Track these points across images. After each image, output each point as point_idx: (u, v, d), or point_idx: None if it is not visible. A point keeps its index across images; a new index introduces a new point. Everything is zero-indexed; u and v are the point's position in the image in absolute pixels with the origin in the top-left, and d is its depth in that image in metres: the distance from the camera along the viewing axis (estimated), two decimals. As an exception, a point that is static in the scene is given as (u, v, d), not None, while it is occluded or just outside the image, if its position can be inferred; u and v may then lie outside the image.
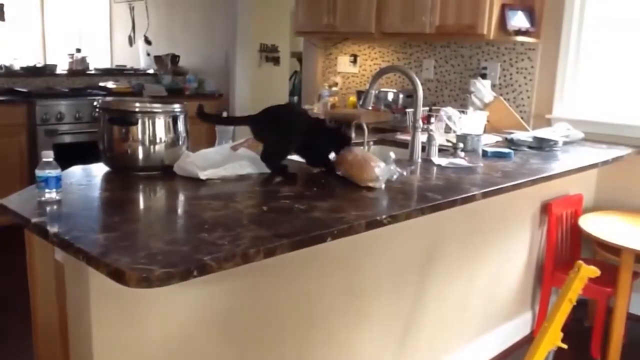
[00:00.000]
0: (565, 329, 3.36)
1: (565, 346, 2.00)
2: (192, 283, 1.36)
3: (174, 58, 5.93)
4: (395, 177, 2.13)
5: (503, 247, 2.88)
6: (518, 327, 3.12)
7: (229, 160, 2.17)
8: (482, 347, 2.89)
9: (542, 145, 3.12)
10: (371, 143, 2.40)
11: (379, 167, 2.05)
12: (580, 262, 1.97)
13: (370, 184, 2.03)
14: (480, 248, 2.72)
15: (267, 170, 2.17)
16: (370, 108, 2.80)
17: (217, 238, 1.47)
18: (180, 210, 1.81)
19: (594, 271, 1.95)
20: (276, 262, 1.65)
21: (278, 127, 2.18)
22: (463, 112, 3.37)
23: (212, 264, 1.34)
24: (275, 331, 1.90)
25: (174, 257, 1.33)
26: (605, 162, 3.01)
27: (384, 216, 1.73)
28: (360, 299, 2.15)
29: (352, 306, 2.13)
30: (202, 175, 2.02)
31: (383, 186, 2.04)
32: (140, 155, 2.09)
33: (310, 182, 2.15)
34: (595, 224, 3.12)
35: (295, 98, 6.67)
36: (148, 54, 6.25)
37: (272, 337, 1.89)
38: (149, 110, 2.11)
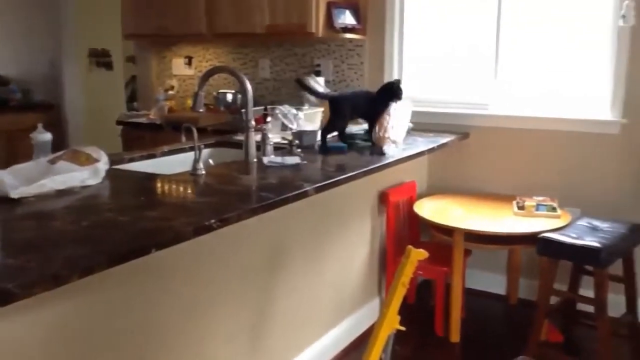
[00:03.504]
0: (412, 310, 3.53)
1: (403, 328, 2.07)
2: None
3: (-7, 68, 5.43)
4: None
5: (347, 237, 2.96)
6: (368, 314, 3.21)
7: (46, 174, 2.00)
8: (335, 338, 2.94)
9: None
10: (202, 146, 2.33)
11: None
12: (410, 246, 2.06)
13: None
14: (325, 241, 2.76)
15: (92, 183, 2.04)
16: (201, 110, 2.73)
17: (25, 261, 1.33)
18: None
19: (423, 254, 2.04)
20: (108, 278, 1.54)
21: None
22: (299, 109, 3.41)
23: (17, 291, 1.21)
24: (118, 354, 1.77)
25: (-31, 289, 1.18)
26: (431, 150, 3.19)
27: (212, 220, 1.68)
28: (206, 305, 2.08)
29: (198, 313, 2.05)
30: (14, 194, 1.84)
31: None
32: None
33: (137, 192, 2.04)
34: (429, 209, 3.30)
35: (135, 104, 6.40)
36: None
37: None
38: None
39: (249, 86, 2.57)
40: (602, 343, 2.54)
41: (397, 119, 3.05)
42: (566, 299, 2.99)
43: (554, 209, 3.12)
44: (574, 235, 2.64)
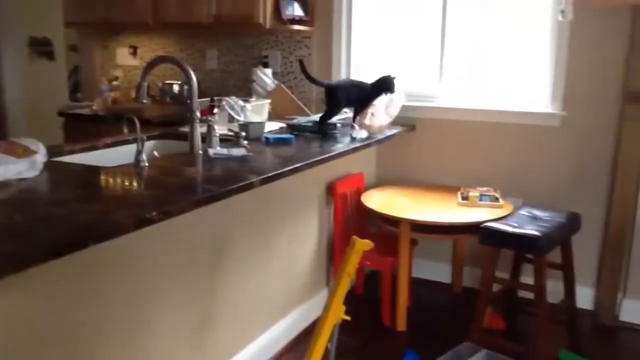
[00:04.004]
0: (360, 301, 3.56)
1: (348, 318, 2.09)
2: None
3: None
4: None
5: (295, 229, 2.96)
6: (316, 305, 3.22)
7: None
8: (284, 330, 2.94)
9: (322, 129, 3.24)
10: (145, 138, 2.29)
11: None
12: (355, 237, 2.07)
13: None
14: (272, 232, 2.76)
15: (29, 175, 1.98)
16: (145, 101, 2.68)
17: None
18: None
19: (367, 244, 2.06)
20: (47, 272, 1.50)
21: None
22: (247, 101, 3.39)
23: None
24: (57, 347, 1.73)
25: None
26: (379, 141, 3.21)
27: (154, 213, 1.65)
28: (148, 298, 2.05)
29: (140, 306, 2.02)
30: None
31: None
32: None
33: (76, 185, 1.99)
34: (376, 200, 3.33)
35: (79, 95, 6.22)
36: None
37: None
38: None
39: (193, 77, 2.54)
40: (540, 328, 2.62)
41: (379, 109, 3.25)
42: (508, 286, 3.07)
43: (496, 199, 3.20)
44: (514, 225, 2.71)
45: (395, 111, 3.40)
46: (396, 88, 3.34)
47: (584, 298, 3.33)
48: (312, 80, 3.32)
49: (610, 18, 3.14)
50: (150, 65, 2.59)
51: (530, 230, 2.63)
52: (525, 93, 3.48)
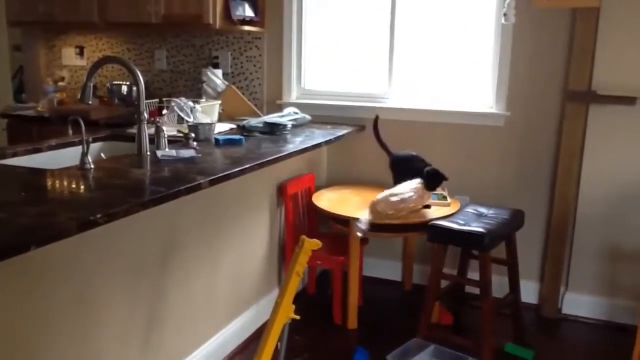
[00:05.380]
0: (312, 301, 3.59)
1: (298, 317, 2.11)
2: None
3: None
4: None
5: (245, 230, 2.96)
6: (267, 306, 3.22)
7: None
8: (235, 331, 2.94)
9: (272, 130, 3.26)
10: (90, 139, 2.25)
11: None
12: (304, 236, 2.09)
13: None
14: (223, 234, 2.75)
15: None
16: (90, 102, 2.64)
17: None
18: None
19: (316, 243, 2.08)
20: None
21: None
22: (196, 102, 3.37)
23: None
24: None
25: None
26: (328, 142, 3.24)
27: (98, 215, 1.63)
28: (94, 301, 2.02)
29: (86, 310, 1.98)
30: None
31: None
32: None
33: (19, 187, 1.95)
34: (327, 200, 3.36)
35: (24, 96, 6.05)
36: None
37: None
38: None
39: (140, 77, 2.51)
40: (485, 321, 2.70)
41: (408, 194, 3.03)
42: (455, 282, 3.14)
43: (444, 198, 3.27)
44: (461, 222, 2.78)
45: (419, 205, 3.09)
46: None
47: (529, 292, 3.44)
48: (383, 146, 3.38)
49: (551, 20, 3.25)
50: (96, 66, 2.55)
51: (476, 227, 2.70)
52: (472, 94, 3.57)
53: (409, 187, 3.03)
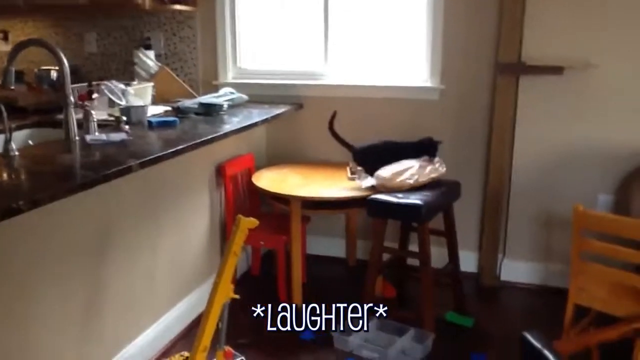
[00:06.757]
0: (257, 281, 3.56)
1: (237, 296, 2.10)
2: None
3: None
4: None
5: (184, 214, 2.91)
6: (209, 290, 3.20)
7: None
8: (176, 317, 2.90)
9: (208, 111, 3.20)
10: (13, 126, 2.16)
11: None
12: (240, 215, 2.07)
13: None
14: (160, 218, 2.70)
15: None
16: (12, 87, 2.53)
17: None
18: None
19: (253, 222, 2.07)
20: None
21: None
22: (128, 84, 3.28)
23: None
24: None
25: None
26: (265, 121, 3.21)
27: (21, 202, 1.57)
28: (26, 291, 1.95)
29: (18, 301, 1.91)
30: None
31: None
32: None
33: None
34: (267, 179, 3.34)
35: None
36: None
37: None
38: None
39: (65, 60, 2.42)
40: (425, 292, 2.75)
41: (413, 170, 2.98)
42: (396, 255, 3.19)
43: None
44: (400, 196, 2.81)
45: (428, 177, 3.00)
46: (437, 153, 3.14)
47: (469, 261, 3.52)
48: (342, 142, 3.30)
49: (481, -7, 3.30)
50: (17, 49, 2.44)
51: (413, 200, 2.73)
52: (407, 68, 3.60)
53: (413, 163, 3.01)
